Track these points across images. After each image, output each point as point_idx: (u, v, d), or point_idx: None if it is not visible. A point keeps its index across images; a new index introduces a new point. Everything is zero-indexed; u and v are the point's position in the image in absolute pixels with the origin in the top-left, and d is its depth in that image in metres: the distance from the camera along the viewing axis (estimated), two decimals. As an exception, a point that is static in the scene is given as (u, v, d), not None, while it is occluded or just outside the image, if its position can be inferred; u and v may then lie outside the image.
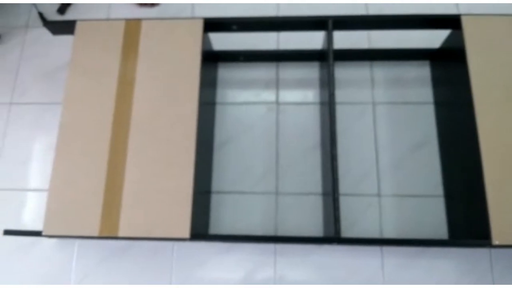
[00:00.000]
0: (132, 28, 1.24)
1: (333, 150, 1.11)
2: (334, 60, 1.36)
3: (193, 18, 1.25)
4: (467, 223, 1.16)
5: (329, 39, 1.21)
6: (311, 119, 1.42)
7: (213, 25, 1.26)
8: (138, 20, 1.25)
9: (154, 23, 1.25)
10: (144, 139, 1.14)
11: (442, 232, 1.28)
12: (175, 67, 1.20)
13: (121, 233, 1.06)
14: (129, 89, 1.18)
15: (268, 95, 1.45)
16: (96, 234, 1.07)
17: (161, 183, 1.10)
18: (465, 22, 1.19)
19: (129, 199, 1.09)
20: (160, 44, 1.22)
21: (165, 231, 1.06)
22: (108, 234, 1.07)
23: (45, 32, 1.56)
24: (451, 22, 1.22)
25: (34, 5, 1.59)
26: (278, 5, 1.57)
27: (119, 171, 1.11)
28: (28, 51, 1.57)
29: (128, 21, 1.25)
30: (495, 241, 1.01)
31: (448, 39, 1.29)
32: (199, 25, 1.23)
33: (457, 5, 1.52)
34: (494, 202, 1.04)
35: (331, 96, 1.16)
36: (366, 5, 1.54)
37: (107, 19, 1.52)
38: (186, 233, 1.05)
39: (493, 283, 1.23)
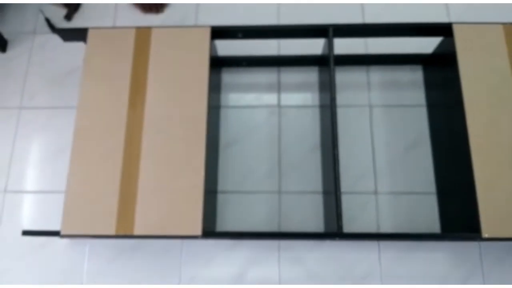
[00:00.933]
0: (142, 35, 1.30)
1: (335, 151, 1.19)
2: (334, 65, 1.45)
3: (201, 26, 1.32)
4: (458, 218, 1.24)
5: (330, 46, 1.28)
6: (311, 121, 1.49)
7: (219, 32, 1.32)
8: (149, 28, 1.31)
9: (163, 30, 1.31)
10: (157, 141, 1.20)
11: (435, 227, 1.37)
12: (185, 73, 1.26)
13: (136, 232, 1.12)
14: (141, 93, 1.24)
15: (270, 99, 1.52)
16: (113, 232, 1.12)
17: (174, 183, 1.16)
18: (456, 30, 1.27)
19: (143, 198, 1.15)
20: (170, 51, 1.28)
21: (179, 229, 1.12)
22: (124, 232, 1.12)
23: (52, 38, 1.61)
24: (443, 30, 1.30)
25: (42, 11, 1.64)
26: (278, 11, 1.63)
27: (134, 172, 1.17)
28: (36, 56, 1.61)
29: (138, 28, 1.31)
30: (485, 234, 1.10)
31: (440, 46, 1.38)
32: (207, 33, 1.30)
33: (448, 12, 1.61)
34: (483, 198, 1.12)
35: (333, 100, 1.23)
36: (362, 12, 1.62)
37: (114, 27, 1.58)
38: (198, 231, 1.12)
39: (483, 275, 1.32)
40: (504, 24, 1.28)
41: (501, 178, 1.14)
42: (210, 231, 1.21)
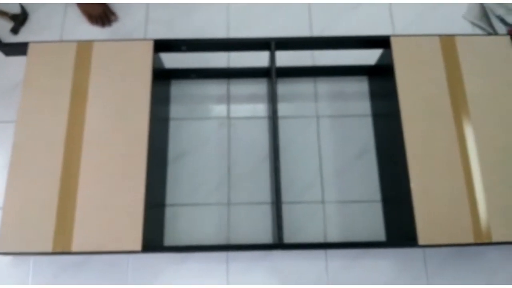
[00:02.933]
0: (84, 49, 1.29)
1: (276, 162, 1.20)
2: (281, 77, 1.48)
3: (143, 39, 1.32)
4: (400, 226, 1.27)
5: (272, 59, 1.30)
6: (260, 132, 1.50)
7: (163, 45, 1.32)
8: (90, 42, 1.30)
9: (105, 44, 1.30)
10: (97, 155, 1.18)
11: (381, 234, 1.39)
12: (127, 85, 1.25)
13: (74, 248, 1.10)
14: (81, 107, 1.23)
15: (220, 111, 1.53)
16: (49, 250, 1.10)
17: (114, 198, 1.15)
18: (394, 42, 1.31)
19: (82, 214, 1.13)
20: (111, 64, 1.28)
21: (117, 245, 1.11)
22: (62, 249, 1.10)
23: (-2, 52, 1.58)
24: (382, 42, 1.33)
25: (-13, 25, 1.61)
26: (228, 24, 1.65)
27: (72, 187, 1.15)
28: (-19, 70, 1.58)
29: (80, 42, 1.30)
30: (421, 242, 1.12)
31: (381, 57, 1.42)
32: (150, 46, 1.30)
33: (393, 25, 1.65)
34: (419, 207, 1.15)
35: (274, 112, 1.25)
36: (310, 25, 1.64)
37: (61, 40, 1.56)
38: (138, 246, 1.10)
39: (427, 280, 1.34)
40: (440, 36, 1.32)
41: (436, 186, 1.17)
42: (150, 246, 1.19)
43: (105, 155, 1.19)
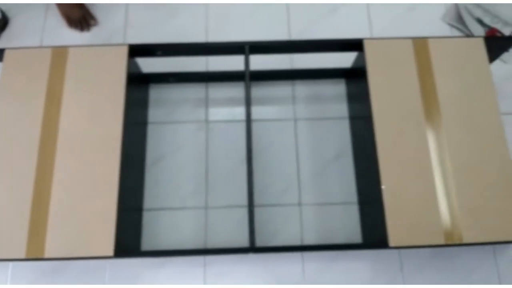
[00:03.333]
0: (59, 55, 1.29)
1: (250, 166, 1.21)
2: (259, 80, 1.48)
3: (118, 44, 1.33)
4: (374, 228, 1.28)
5: (247, 63, 1.31)
6: (238, 135, 1.51)
7: (138, 50, 1.33)
8: (65, 47, 1.30)
9: (81, 49, 1.31)
10: (71, 160, 1.19)
11: (358, 236, 1.40)
12: (101, 90, 1.26)
13: (47, 255, 1.11)
14: (55, 112, 1.23)
15: (198, 114, 1.54)
16: (22, 256, 1.11)
17: (87, 203, 1.15)
18: (367, 45, 1.31)
19: (55, 220, 1.14)
20: (86, 69, 1.28)
21: (90, 250, 1.11)
22: (35, 256, 1.11)
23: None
24: (356, 45, 1.34)
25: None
26: (207, 28, 1.66)
27: (46, 193, 1.16)
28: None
29: (55, 48, 1.30)
30: (392, 244, 1.13)
31: (356, 60, 1.42)
32: (124, 51, 1.30)
33: (371, 28, 1.66)
34: (390, 208, 1.15)
35: (248, 115, 1.26)
36: (288, 28, 1.65)
37: (38, 46, 1.56)
38: (110, 251, 1.11)
39: (403, 281, 1.35)
40: (413, 38, 1.33)
41: (407, 188, 1.18)
42: (123, 251, 1.19)
43: (79, 160, 1.19)
